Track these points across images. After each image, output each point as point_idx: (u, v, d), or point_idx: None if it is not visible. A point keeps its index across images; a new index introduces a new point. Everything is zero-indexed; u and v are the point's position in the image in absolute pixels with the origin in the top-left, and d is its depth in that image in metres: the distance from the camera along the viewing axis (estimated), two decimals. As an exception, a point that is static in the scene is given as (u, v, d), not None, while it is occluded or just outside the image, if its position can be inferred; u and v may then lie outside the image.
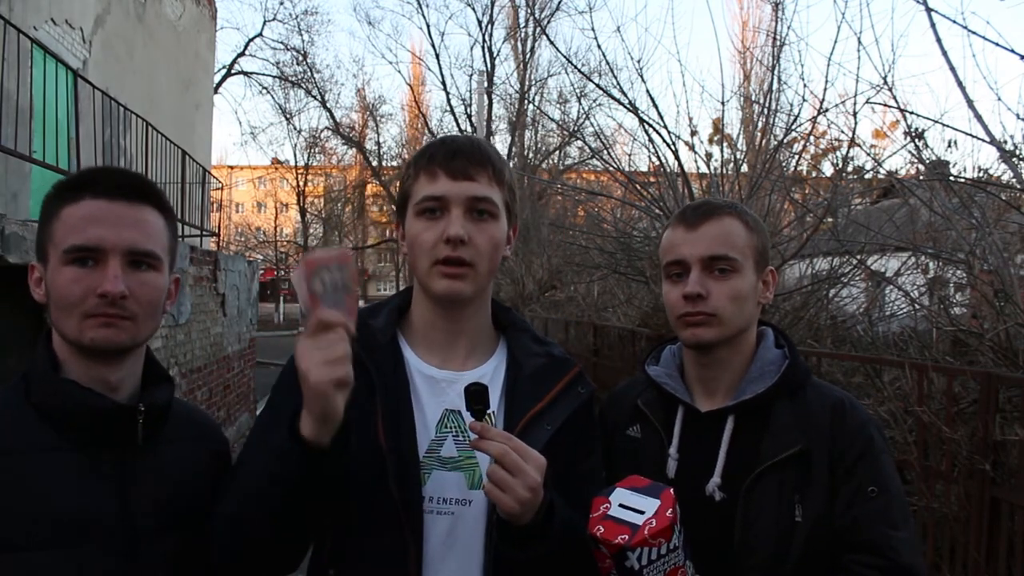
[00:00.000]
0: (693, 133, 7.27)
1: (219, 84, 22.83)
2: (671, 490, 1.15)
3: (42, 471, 1.07)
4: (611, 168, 8.86)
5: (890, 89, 4.97)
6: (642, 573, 1.08)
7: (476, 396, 1.13)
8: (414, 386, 1.25)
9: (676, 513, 1.12)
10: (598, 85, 8.68)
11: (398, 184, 1.31)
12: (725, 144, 7.54)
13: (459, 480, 1.22)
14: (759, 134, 7.69)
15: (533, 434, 1.22)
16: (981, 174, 5.52)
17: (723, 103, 7.05)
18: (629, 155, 10.03)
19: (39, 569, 1.03)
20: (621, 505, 1.12)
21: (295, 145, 33.64)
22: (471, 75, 24.62)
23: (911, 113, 4.91)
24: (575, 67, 10.71)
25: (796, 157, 7.93)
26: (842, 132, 6.63)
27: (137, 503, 1.13)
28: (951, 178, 5.23)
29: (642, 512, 1.10)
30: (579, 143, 19.85)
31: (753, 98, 8.23)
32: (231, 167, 41.94)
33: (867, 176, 7.45)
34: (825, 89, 7.03)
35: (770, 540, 1.23)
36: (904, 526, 1.24)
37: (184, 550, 1.17)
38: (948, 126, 4.81)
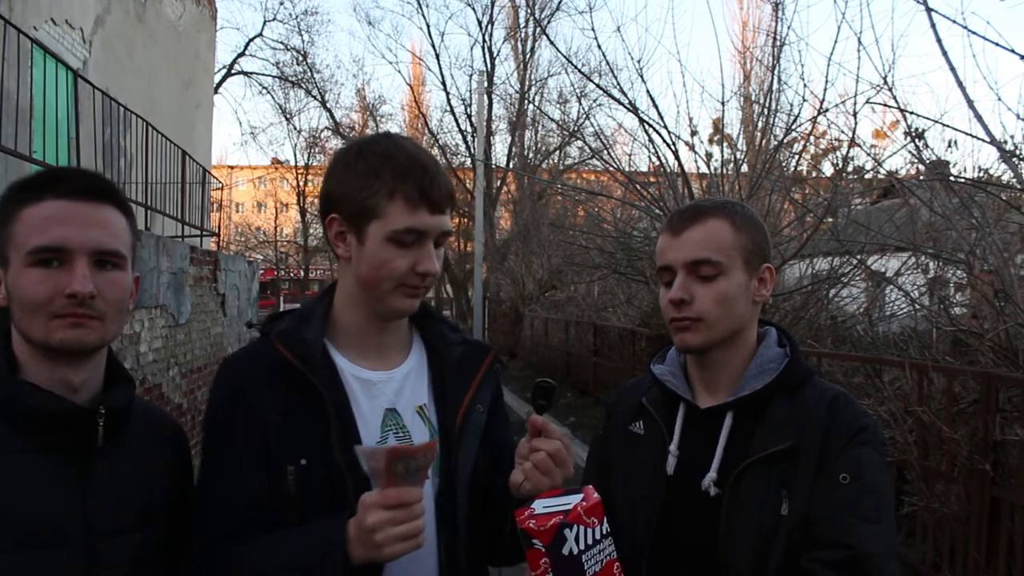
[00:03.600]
0: (693, 133, 7.28)
1: (219, 84, 22.83)
2: (591, 487, 1.17)
3: (0, 474, 1.05)
4: (611, 168, 8.86)
5: (890, 89, 4.98)
6: (581, 560, 1.06)
7: (545, 392, 1.23)
8: (352, 392, 1.25)
9: (601, 500, 1.13)
10: (598, 85, 8.69)
11: (337, 181, 1.25)
12: (725, 144, 7.54)
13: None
14: (759, 134, 7.69)
15: (473, 420, 1.29)
16: (981, 174, 5.53)
17: (723, 103, 7.06)
18: (629, 155, 10.03)
19: None
20: (544, 507, 1.12)
21: (295, 145, 33.72)
22: (471, 75, 24.63)
23: (911, 113, 4.92)
24: (575, 67, 10.75)
25: (796, 157, 7.94)
26: (842, 132, 6.64)
27: (97, 505, 1.11)
28: (951, 178, 5.23)
29: (567, 504, 1.11)
30: (579, 143, 19.86)
31: (753, 98, 8.23)
32: (231, 167, 41.96)
33: (867, 176, 7.46)
34: (825, 89, 7.08)
35: (752, 533, 1.23)
36: (875, 519, 1.19)
37: (145, 551, 1.17)
38: (948, 126, 4.82)
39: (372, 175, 1.20)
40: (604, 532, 1.11)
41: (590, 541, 1.08)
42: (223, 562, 1.16)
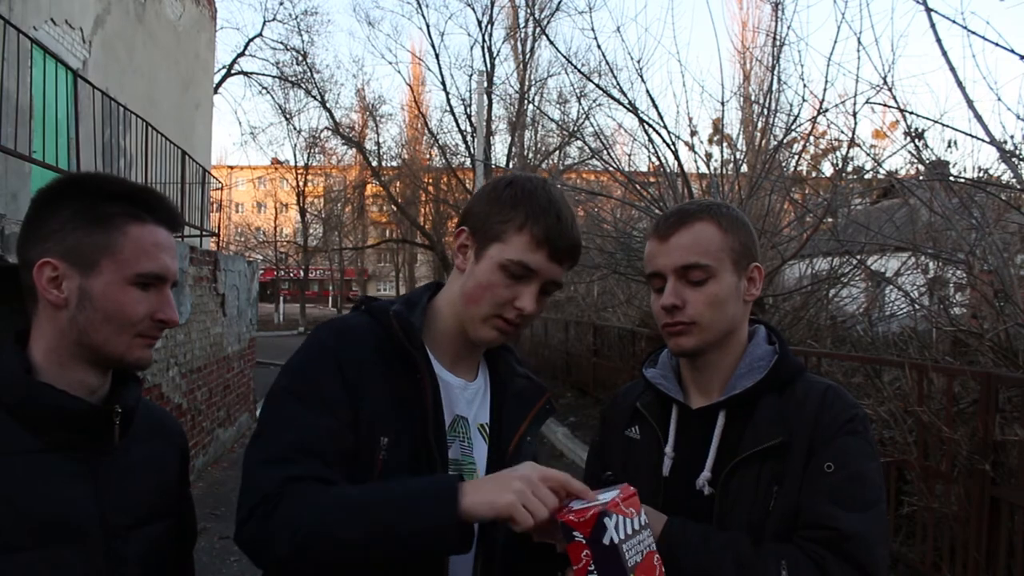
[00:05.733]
0: (693, 133, 7.29)
1: (219, 84, 22.81)
2: (626, 483, 1.17)
3: (16, 474, 1.06)
4: (611, 168, 8.86)
5: (890, 89, 4.98)
6: (621, 549, 1.05)
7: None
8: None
9: (637, 492, 1.13)
10: (598, 85, 8.69)
11: (480, 201, 1.31)
12: (725, 144, 7.54)
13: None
14: (759, 134, 7.69)
15: (523, 449, 1.34)
16: (981, 174, 5.53)
17: (723, 103, 7.06)
18: (629, 155, 10.06)
19: (17, 572, 1.04)
20: (582, 504, 1.13)
21: (295, 145, 33.65)
22: (471, 75, 24.58)
23: (911, 113, 4.92)
24: (575, 67, 10.73)
25: (796, 157, 7.93)
26: (842, 132, 6.64)
27: (111, 502, 1.14)
28: (951, 178, 5.23)
29: (605, 499, 1.11)
30: (579, 143, 19.83)
31: (753, 98, 8.23)
32: (231, 167, 41.95)
33: (867, 176, 7.45)
34: (825, 89, 7.09)
35: (742, 530, 1.24)
36: (860, 507, 1.19)
37: (158, 544, 1.19)
38: (948, 126, 4.84)
39: (511, 205, 1.26)
40: (643, 523, 1.11)
41: (629, 531, 1.08)
42: (304, 493, 1.11)
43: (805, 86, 10.64)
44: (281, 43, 28.22)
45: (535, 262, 1.24)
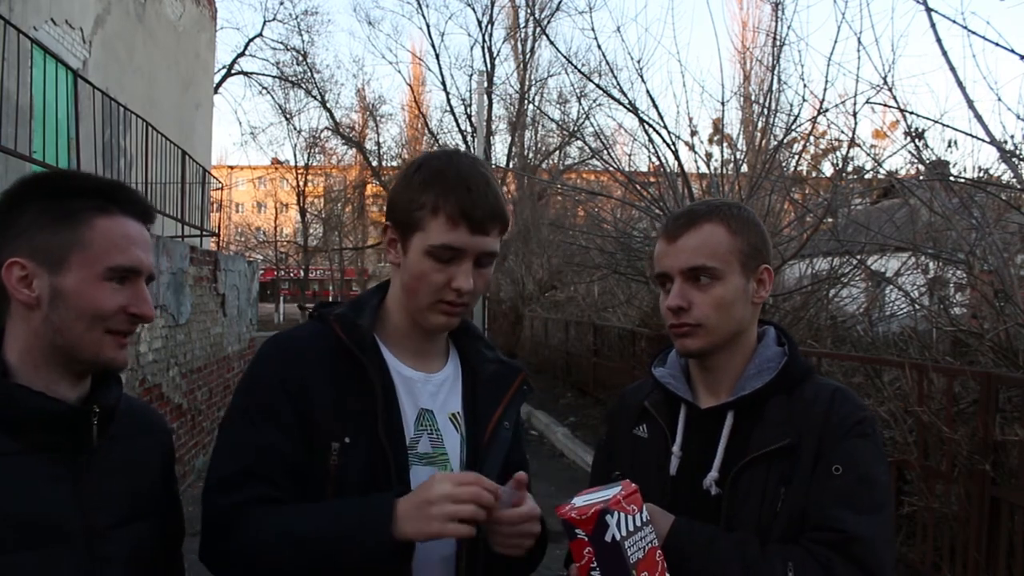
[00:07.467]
0: (693, 133, 7.29)
1: (219, 84, 22.82)
2: (627, 480, 1.18)
3: None
4: (611, 168, 8.87)
5: (890, 89, 4.99)
6: (623, 546, 1.06)
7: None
8: (395, 384, 1.30)
9: (639, 489, 1.14)
10: (598, 85, 8.70)
11: (396, 191, 1.32)
12: (725, 144, 7.55)
13: (433, 474, 1.26)
14: (759, 134, 7.70)
15: (499, 435, 1.33)
16: (981, 174, 5.53)
17: (723, 103, 7.06)
18: (629, 155, 10.06)
19: (2, 573, 1.03)
20: (584, 500, 1.14)
21: (295, 145, 33.71)
22: (471, 75, 24.61)
23: (911, 113, 4.92)
24: (575, 67, 10.76)
25: (796, 157, 7.94)
26: (842, 132, 6.65)
27: (93, 502, 1.13)
28: (951, 178, 5.23)
29: (607, 495, 1.12)
30: (579, 143, 19.85)
31: (753, 98, 8.24)
32: (231, 167, 41.95)
33: (867, 176, 7.46)
34: (825, 89, 7.10)
35: (750, 531, 1.24)
36: (868, 509, 1.20)
37: (142, 544, 1.18)
38: (948, 126, 4.84)
39: (422, 189, 1.25)
40: (644, 520, 1.11)
41: (631, 528, 1.08)
42: (248, 521, 1.16)
43: (805, 86, 10.65)
44: (281, 43, 28.29)
45: (458, 241, 1.23)
